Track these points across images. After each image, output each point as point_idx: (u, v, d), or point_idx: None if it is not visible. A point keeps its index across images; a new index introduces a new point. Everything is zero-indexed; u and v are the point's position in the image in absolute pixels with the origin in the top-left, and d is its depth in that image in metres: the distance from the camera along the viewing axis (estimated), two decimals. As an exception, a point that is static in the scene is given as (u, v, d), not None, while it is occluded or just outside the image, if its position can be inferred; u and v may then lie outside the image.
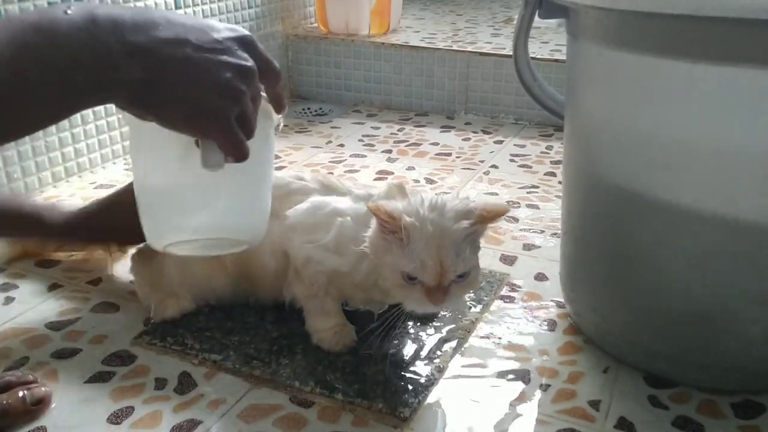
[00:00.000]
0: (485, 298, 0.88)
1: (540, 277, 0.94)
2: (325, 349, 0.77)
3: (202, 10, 1.51)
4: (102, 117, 1.29)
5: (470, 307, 0.86)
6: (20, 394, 0.68)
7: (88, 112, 1.26)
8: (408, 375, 0.74)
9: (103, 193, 1.18)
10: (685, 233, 0.66)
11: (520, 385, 0.73)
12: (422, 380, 0.73)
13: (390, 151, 1.43)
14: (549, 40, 1.71)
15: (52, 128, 1.20)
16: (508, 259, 0.98)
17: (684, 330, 0.71)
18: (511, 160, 1.37)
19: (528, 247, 1.02)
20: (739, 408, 0.70)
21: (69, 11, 0.48)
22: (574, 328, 0.83)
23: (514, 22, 0.93)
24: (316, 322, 0.78)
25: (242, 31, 0.55)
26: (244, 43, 0.54)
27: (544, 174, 1.30)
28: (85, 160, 1.27)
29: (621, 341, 0.76)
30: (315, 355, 0.77)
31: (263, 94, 0.59)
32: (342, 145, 1.47)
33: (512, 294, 0.90)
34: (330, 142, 1.49)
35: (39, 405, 0.69)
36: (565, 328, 0.83)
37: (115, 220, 0.88)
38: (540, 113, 1.54)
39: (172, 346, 0.79)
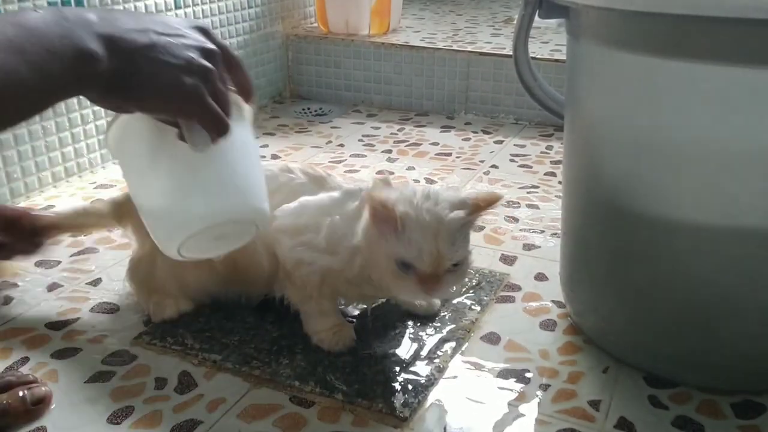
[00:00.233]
0: (485, 298, 0.88)
1: (540, 277, 0.94)
2: (326, 350, 0.77)
3: (202, 10, 1.51)
4: (102, 117, 1.29)
5: (470, 307, 0.86)
6: (20, 394, 0.68)
7: (89, 112, 1.26)
8: (408, 375, 0.74)
9: (104, 193, 1.19)
10: (685, 233, 0.66)
11: (520, 385, 0.73)
12: (422, 380, 0.73)
13: (390, 151, 1.43)
14: (549, 40, 1.71)
15: (52, 128, 1.20)
16: (508, 259, 0.98)
17: (684, 330, 0.71)
18: (511, 160, 1.37)
19: (528, 247, 1.02)
20: (739, 408, 0.70)
21: (40, 11, 0.51)
22: (574, 328, 0.83)
23: (514, 22, 0.93)
24: (314, 323, 0.78)
25: (198, 21, 0.59)
26: (202, 30, 0.58)
27: (544, 174, 1.30)
28: (85, 160, 1.27)
29: (621, 341, 0.76)
30: (315, 355, 0.77)
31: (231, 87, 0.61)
32: (342, 145, 1.47)
33: (512, 294, 0.90)
34: (330, 142, 1.49)
35: (39, 405, 0.69)
36: (565, 328, 0.83)
37: None
38: (540, 113, 1.54)
39: (172, 346, 0.79)
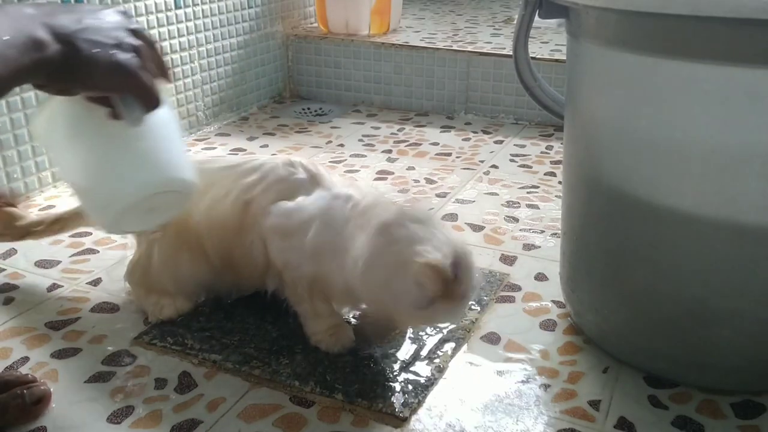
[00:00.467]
0: (485, 298, 0.88)
1: (540, 277, 0.94)
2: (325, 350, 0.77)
3: (202, 10, 1.51)
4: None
5: (470, 307, 0.86)
6: (20, 393, 0.68)
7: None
8: (408, 375, 0.74)
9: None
10: (686, 233, 0.66)
11: (520, 385, 0.73)
12: (422, 380, 0.73)
13: (390, 151, 1.43)
14: (549, 40, 1.71)
15: (52, 128, 1.20)
16: (508, 259, 0.98)
17: (684, 330, 0.71)
18: (511, 160, 1.37)
19: (528, 247, 1.02)
20: (739, 408, 0.70)
21: None
22: (574, 328, 0.83)
23: (514, 22, 0.93)
24: (312, 325, 0.78)
25: (118, 7, 0.64)
26: (123, 13, 0.63)
27: (544, 174, 1.30)
28: (85, 160, 1.27)
29: (621, 341, 0.76)
30: (315, 355, 0.77)
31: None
32: (342, 145, 1.47)
33: (512, 294, 0.90)
34: (330, 142, 1.49)
35: (39, 404, 0.69)
36: (565, 328, 0.83)
37: None
38: (540, 113, 1.54)
39: (172, 346, 0.79)
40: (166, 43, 1.43)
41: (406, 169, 1.33)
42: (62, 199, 1.18)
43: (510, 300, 0.89)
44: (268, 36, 1.73)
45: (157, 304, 0.83)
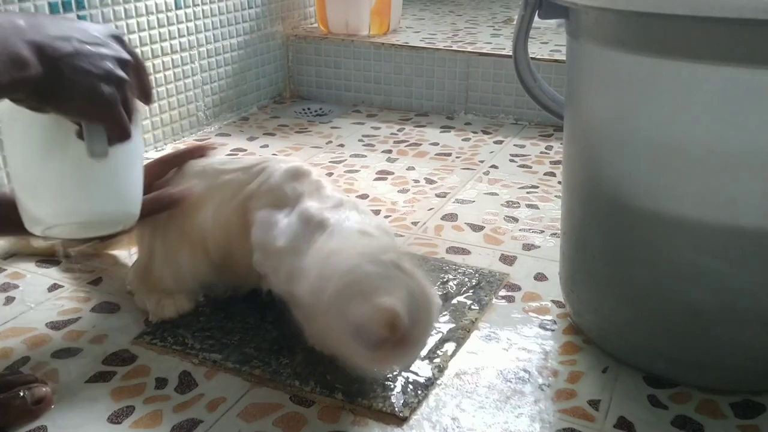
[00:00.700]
0: (485, 298, 0.88)
1: (540, 277, 0.94)
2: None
3: (202, 11, 1.51)
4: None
5: (470, 307, 0.86)
6: (21, 393, 0.68)
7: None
8: (408, 375, 0.74)
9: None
10: (685, 234, 0.66)
11: (519, 385, 0.73)
12: (422, 380, 0.73)
13: (390, 152, 1.43)
14: (549, 40, 1.72)
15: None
16: (508, 259, 0.99)
17: (684, 330, 0.71)
18: (511, 160, 1.37)
19: (528, 247, 1.02)
20: (739, 408, 0.70)
21: None
22: (574, 328, 0.83)
23: (514, 22, 0.93)
24: (308, 326, 0.78)
25: (113, 28, 0.63)
26: (116, 38, 0.62)
27: (544, 174, 1.30)
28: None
29: (621, 341, 0.77)
30: (315, 354, 0.77)
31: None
32: (342, 145, 1.47)
33: (512, 294, 0.90)
34: (330, 142, 1.49)
35: (39, 404, 0.69)
36: (565, 328, 0.83)
37: None
38: (540, 113, 1.54)
39: (173, 346, 0.79)
40: (166, 44, 1.43)
41: (406, 169, 1.33)
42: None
43: (510, 300, 0.89)
44: (269, 36, 1.73)
45: (158, 303, 0.83)
